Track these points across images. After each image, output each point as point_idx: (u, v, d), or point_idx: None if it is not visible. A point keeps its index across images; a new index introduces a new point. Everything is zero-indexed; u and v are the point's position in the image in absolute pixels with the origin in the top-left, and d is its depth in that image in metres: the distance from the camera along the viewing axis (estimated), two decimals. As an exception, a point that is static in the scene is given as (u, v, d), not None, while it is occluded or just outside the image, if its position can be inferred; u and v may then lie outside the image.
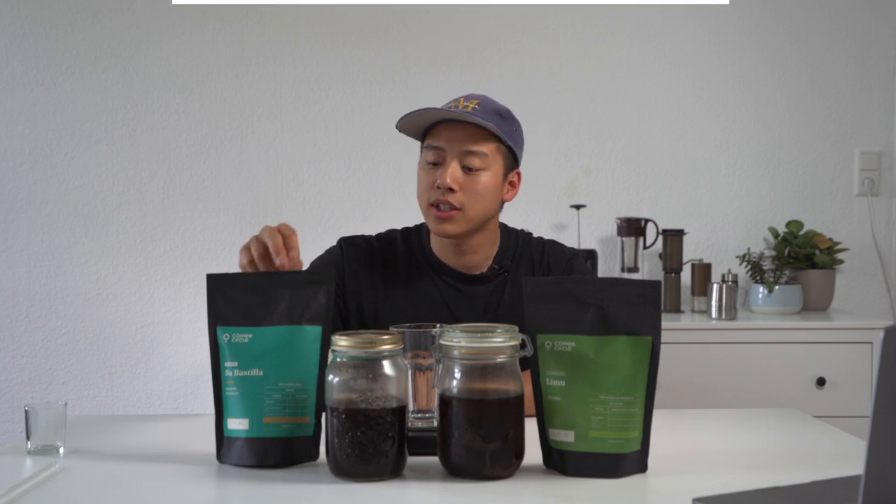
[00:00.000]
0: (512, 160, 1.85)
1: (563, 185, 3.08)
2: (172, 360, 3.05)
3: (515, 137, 1.84)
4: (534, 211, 3.05)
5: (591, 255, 2.89)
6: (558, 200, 3.07)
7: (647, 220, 2.96)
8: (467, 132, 1.77)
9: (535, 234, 1.98)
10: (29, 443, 1.45)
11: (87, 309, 3.05)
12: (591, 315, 1.33)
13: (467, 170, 1.77)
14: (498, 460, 1.30)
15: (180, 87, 3.05)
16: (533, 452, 1.39)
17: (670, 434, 1.61)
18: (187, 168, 3.05)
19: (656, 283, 1.35)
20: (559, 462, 1.34)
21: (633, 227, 2.95)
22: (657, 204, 3.08)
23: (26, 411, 1.46)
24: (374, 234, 1.94)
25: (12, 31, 3.03)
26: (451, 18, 3.06)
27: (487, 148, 1.79)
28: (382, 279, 1.87)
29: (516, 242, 1.91)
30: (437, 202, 1.77)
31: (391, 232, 1.94)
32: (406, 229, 1.94)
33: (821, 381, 2.65)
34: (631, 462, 1.33)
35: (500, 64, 3.07)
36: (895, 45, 3.09)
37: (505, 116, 1.82)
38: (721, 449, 1.52)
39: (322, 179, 3.08)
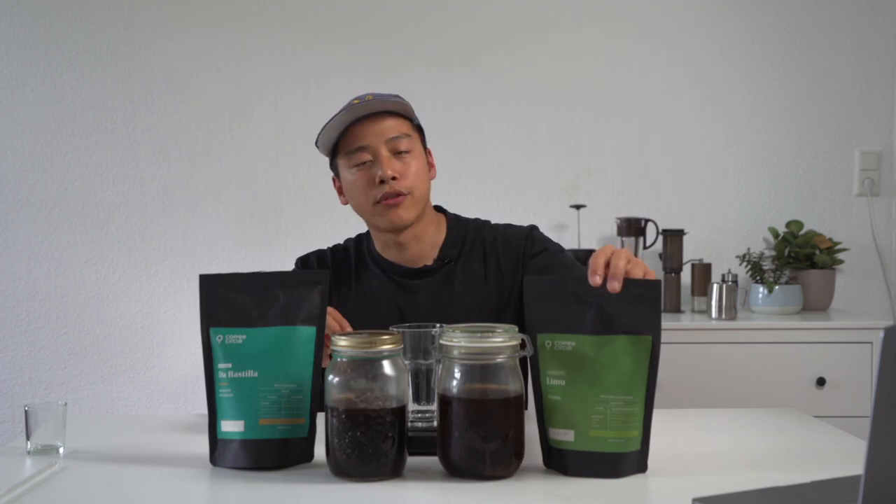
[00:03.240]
0: (422, 139, 1.87)
1: (563, 185, 3.08)
2: (172, 360, 3.05)
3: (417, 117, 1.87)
4: (534, 211, 3.05)
5: (591, 256, 2.89)
6: (558, 200, 3.07)
7: (647, 220, 2.96)
8: (384, 123, 1.79)
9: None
10: (29, 443, 1.45)
11: (87, 309, 3.05)
12: (591, 314, 1.33)
13: (397, 155, 1.79)
14: (498, 460, 1.30)
15: (180, 87, 3.05)
16: (533, 452, 1.39)
17: (670, 434, 1.61)
18: (187, 168, 3.05)
19: (656, 283, 1.35)
20: (559, 462, 1.34)
21: (633, 227, 2.95)
22: (657, 204, 3.08)
23: (26, 411, 1.46)
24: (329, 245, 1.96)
25: (12, 30, 3.03)
26: (451, 19, 3.06)
27: (407, 128, 1.82)
28: (336, 287, 1.88)
29: (465, 231, 1.90)
30: (384, 196, 1.77)
31: (347, 241, 1.96)
32: (358, 235, 1.96)
33: (821, 381, 2.65)
34: (631, 462, 1.33)
35: (501, 64, 3.07)
36: (895, 45, 3.09)
37: (402, 98, 1.85)
38: (721, 449, 1.52)
39: (322, 180, 3.06)
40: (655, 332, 1.33)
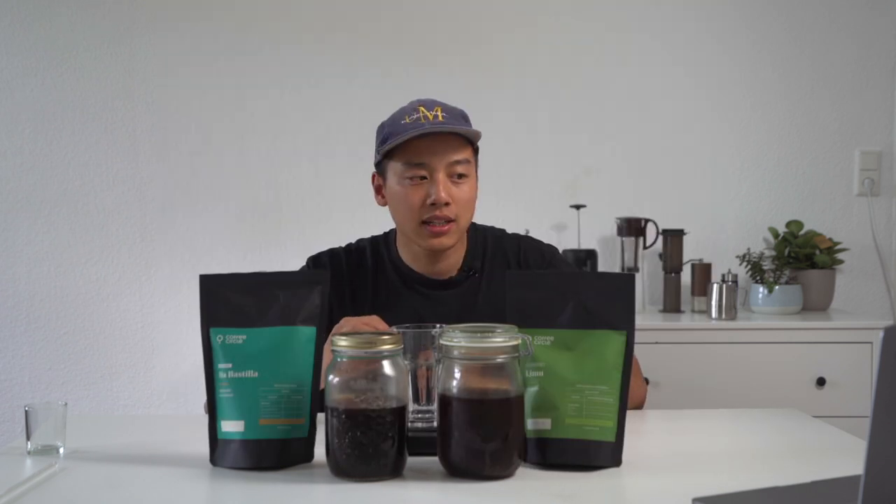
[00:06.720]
0: (477, 160, 1.84)
1: (562, 185, 3.08)
2: (172, 360, 3.05)
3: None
4: (534, 211, 3.05)
5: (590, 256, 2.89)
6: (558, 200, 3.07)
7: (647, 220, 2.96)
8: (448, 142, 1.75)
9: (532, 234, 1.97)
10: (29, 443, 1.45)
11: (87, 309, 3.05)
12: (569, 309, 1.37)
13: (453, 179, 1.77)
14: (498, 460, 1.30)
15: (180, 86, 3.05)
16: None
17: (670, 434, 1.61)
18: (187, 168, 3.05)
19: (630, 277, 1.38)
20: (537, 452, 1.35)
21: (633, 227, 2.95)
22: (657, 204, 3.08)
23: (26, 411, 1.46)
24: (344, 244, 1.91)
25: (12, 30, 3.02)
26: (450, 17, 3.06)
27: (467, 154, 1.79)
28: (351, 292, 1.84)
29: (485, 240, 1.88)
30: (432, 218, 1.75)
31: (360, 241, 1.92)
32: (374, 238, 1.92)
33: (821, 381, 2.65)
34: (606, 453, 1.34)
35: (500, 63, 3.07)
36: (895, 45, 3.09)
37: (466, 117, 1.82)
38: (721, 449, 1.52)
39: (322, 179, 3.07)
40: (630, 326, 1.37)
